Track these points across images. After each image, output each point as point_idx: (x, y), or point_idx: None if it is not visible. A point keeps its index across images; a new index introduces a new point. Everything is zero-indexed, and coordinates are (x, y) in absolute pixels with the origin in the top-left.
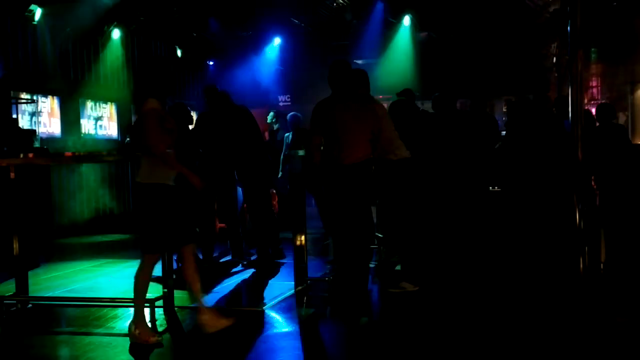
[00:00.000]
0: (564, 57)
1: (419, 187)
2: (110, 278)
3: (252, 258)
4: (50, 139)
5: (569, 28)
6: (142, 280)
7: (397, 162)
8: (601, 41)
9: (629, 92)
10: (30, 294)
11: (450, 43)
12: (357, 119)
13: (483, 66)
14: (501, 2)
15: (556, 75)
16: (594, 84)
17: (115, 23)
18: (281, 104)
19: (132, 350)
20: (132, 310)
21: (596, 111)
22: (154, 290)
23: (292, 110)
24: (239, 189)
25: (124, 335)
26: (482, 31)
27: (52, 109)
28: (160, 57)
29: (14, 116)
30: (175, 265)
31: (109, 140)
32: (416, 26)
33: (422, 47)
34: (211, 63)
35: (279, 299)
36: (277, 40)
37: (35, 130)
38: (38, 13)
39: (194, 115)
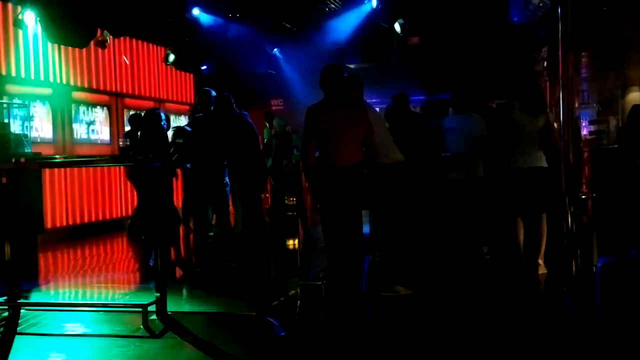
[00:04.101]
0: (555, 61)
1: (412, 190)
2: None
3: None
4: (42, 144)
5: (559, 32)
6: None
7: (390, 165)
8: (592, 45)
9: (620, 96)
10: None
11: (442, 47)
12: (348, 122)
13: (474, 70)
14: (493, 6)
15: (547, 79)
16: (585, 87)
17: (108, 27)
18: (274, 107)
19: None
20: None
21: None
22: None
23: (285, 114)
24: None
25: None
26: (473, 35)
27: (44, 113)
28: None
29: (6, 121)
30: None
31: (102, 145)
32: (408, 31)
33: (415, 52)
34: (204, 67)
35: (273, 303)
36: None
37: (27, 135)
38: (30, 17)
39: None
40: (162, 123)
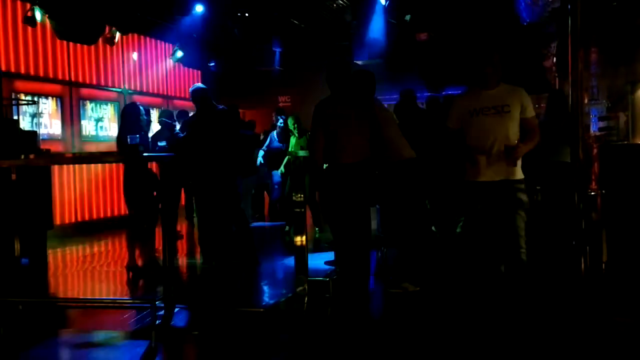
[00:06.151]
0: (565, 57)
1: (421, 187)
2: None
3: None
4: (51, 140)
5: (569, 28)
6: None
7: (401, 162)
8: (601, 41)
9: (629, 92)
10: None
11: (451, 43)
12: (355, 118)
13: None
14: (502, 2)
15: (556, 75)
16: (594, 83)
17: (116, 24)
18: (281, 104)
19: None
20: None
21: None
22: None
23: (292, 111)
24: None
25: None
26: (482, 31)
27: (53, 110)
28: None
29: (15, 117)
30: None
31: (110, 141)
32: (416, 26)
33: (423, 48)
34: (212, 64)
35: (279, 299)
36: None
37: (36, 132)
38: (38, 14)
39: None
40: (143, 117)
